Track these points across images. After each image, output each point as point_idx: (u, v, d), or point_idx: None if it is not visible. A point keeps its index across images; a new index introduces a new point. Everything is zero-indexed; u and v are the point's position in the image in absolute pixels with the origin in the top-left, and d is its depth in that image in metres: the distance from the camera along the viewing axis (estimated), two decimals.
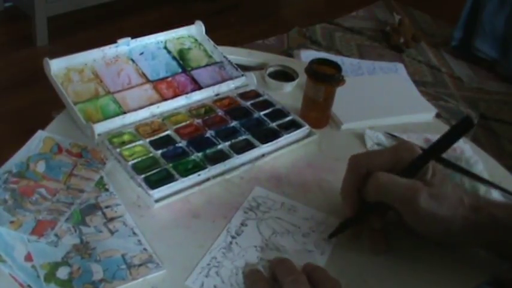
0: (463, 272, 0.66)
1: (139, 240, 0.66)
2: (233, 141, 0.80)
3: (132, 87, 0.87)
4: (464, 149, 0.86)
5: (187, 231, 0.68)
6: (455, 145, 0.85)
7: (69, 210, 0.68)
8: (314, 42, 2.18)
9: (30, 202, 0.69)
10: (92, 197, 0.71)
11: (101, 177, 0.74)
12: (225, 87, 0.90)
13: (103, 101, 0.84)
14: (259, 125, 0.84)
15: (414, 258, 0.68)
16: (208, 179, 0.75)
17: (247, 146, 0.80)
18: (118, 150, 0.76)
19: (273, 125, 0.84)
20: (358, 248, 0.68)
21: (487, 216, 0.63)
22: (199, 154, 0.77)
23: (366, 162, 0.67)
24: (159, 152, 0.77)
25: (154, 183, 0.72)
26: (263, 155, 0.80)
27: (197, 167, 0.75)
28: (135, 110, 0.83)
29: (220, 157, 0.77)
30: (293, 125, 0.84)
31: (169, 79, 0.90)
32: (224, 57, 0.94)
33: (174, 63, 0.92)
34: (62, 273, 0.61)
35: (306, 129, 0.84)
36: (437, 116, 0.94)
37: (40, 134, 0.79)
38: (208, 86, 0.89)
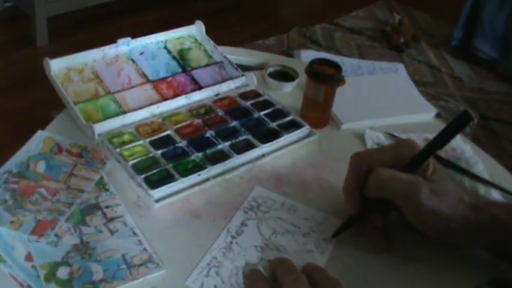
0: (464, 272, 0.66)
1: (139, 240, 0.66)
2: (233, 141, 0.80)
3: (132, 87, 0.87)
4: (465, 149, 0.86)
5: (187, 231, 0.68)
6: (456, 145, 0.85)
7: (69, 210, 0.68)
8: (314, 42, 2.17)
9: (31, 202, 0.69)
10: (92, 197, 0.71)
11: (101, 177, 0.74)
12: (225, 87, 0.90)
13: (103, 101, 0.84)
14: (259, 125, 0.84)
15: (414, 258, 0.68)
16: (208, 179, 0.75)
17: (248, 146, 0.80)
18: (118, 150, 0.76)
19: (273, 125, 0.84)
20: (358, 248, 0.68)
21: (488, 216, 0.63)
22: (200, 154, 0.77)
23: (367, 159, 0.67)
24: (159, 152, 0.77)
25: (154, 183, 0.72)
26: (263, 155, 0.80)
27: (197, 167, 0.75)
28: (135, 110, 0.83)
29: (221, 157, 0.77)
30: (293, 125, 0.84)
31: (170, 79, 0.90)
32: (224, 57, 0.94)
33: (174, 63, 0.92)
34: (62, 273, 0.61)
35: (306, 129, 0.84)
36: (437, 116, 0.94)
37: (40, 134, 0.79)
38: (208, 86, 0.89)
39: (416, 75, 2.08)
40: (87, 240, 0.65)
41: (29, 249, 0.63)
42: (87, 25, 2.48)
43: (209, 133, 0.81)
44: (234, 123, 0.83)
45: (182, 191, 0.73)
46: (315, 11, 2.82)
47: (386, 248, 0.68)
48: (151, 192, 0.70)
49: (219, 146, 0.79)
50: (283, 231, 0.69)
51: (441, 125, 0.93)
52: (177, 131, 0.81)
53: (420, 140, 0.85)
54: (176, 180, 0.72)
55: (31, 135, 0.79)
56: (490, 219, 0.63)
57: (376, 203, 0.67)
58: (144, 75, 0.89)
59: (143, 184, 0.71)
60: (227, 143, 0.79)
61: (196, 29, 0.98)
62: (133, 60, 0.90)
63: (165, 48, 0.94)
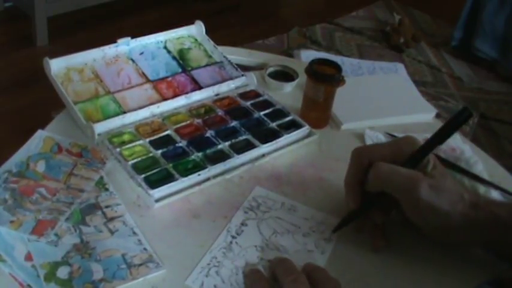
0: (464, 272, 0.66)
1: (139, 240, 0.66)
2: (233, 141, 0.80)
3: (132, 87, 0.87)
4: (464, 149, 0.86)
5: (187, 230, 0.68)
6: (455, 145, 0.85)
7: (69, 209, 0.68)
8: (314, 42, 2.18)
9: (30, 202, 0.69)
10: (92, 197, 0.71)
11: (101, 177, 0.74)
12: (225, 87, 0.90)
13: (103, 100, 0.84)
14: (259, 125, 0.84)
15: (415, 258, 0.68)
16: (208, 179, 0.75)
17: (248, 146, 0.80)
18: (118, 150, 0.76)
19: (273, 125, 0.84)
20: (358, 248, 0.68)
21: (488, 214, 0.63)
22: (200, 154, 0.77)
23: (367, 154, 0.68)
24: (159, 151, 0.77)
25: (154, 183, 0.72)
26: (263, 155, 0.80)
27: (197, 167, 0.75)
28: (135, 109, 0.83)
29: (221, 157, 0.77)
30: (293, 125, 0.84)
31: (169, 79, 0.90)
32: (224, 57, 0.94)
33: (174, 63, 0.92)
34: (62, 272, 0.61)
35: (306, 129, 0.84)
36: (437, 116, 0.94)
37: (40, 134, 0.79)
38: (208, 86, 0.89)
39: (416, 75, 2.08)
40: (87, 240, 0.65)
41: (29, 248, 0.63)
42: (87, 25, 2.48)
43: (209, 133, 0.81)
44: (234, 123, 0.83)
45: (182, 191, 0.73)
46: (315, 11, 2.82)
47: (384, 246, 0.68)
48: (151, 192, 0.70)
49: (219, 146, 0.79)
50: (283, 231, 0.69)
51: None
52: (177, 130, 0.81)
53: (420, 140, 0.85)
54: (176, 180, 0.72)
55: (31, 135, 0.79)
56: (490, 218, 0.63)
57: (377, 198, 0.67)
58: (144, 75, 0.89)
59: (143, 184, 0.71)
60: (227, 143, 0.79)
61: (196, 29, 0.98)
62: (133, 60, 0.90)
63: (165, 48, 0.94)
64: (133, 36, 0.92)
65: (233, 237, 0.68)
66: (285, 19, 2.72)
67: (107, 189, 0.72)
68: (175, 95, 0.87)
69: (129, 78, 0.88)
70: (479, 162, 0.83)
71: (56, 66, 0.84)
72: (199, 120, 0.83)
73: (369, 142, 0.85)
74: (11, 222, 0.66)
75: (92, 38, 2.22)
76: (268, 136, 0.81)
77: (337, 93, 0.86)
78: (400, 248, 0.69)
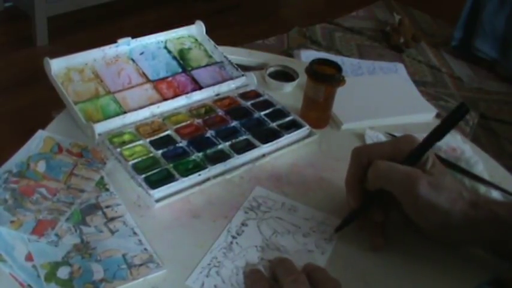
0: (464, 272, 0.66)
1: (139, 240, 0.66)
2: (233, 141, 0.80)
3: (133, 87, 0.87)
4: (464, 149, 0.86)
5: (187, 231, 0.68)
6: (456, 146, 0.85)
7: (69, 210, 0.68)
8: (314, 42, 2.18)
9: (31, 202, 0.69)
10: (92, 197, 0.71)
11: (101, 177, 0.74)
12: (226, 87, 0.90)
13: (103, 100, 0.84)
14: (259, 125, 0.84)
15: (415, 258, 0.68)
16: (208, 179, 0.75)
17: (248, 146, 0.80)
18: (118, 150, 0.76)
19: (273, 125, 0.84)
20: (358, 248, 0.68)
21: (487, 213, 0.63)
22: (200, 154, 0.77)
23: (367, 153, 0.68)
24: (160, 151, 0.77)
25: (154, 183, 0.72)
26: (263, 155, 0.80)
27: (197, 167, 0.75)
28: (135, 109, 0.83)
29: (221, 157, 0.77)
30: (293, 125, 0.84)
31: (170, 79, 0.90)
32: (224, 57, 0.94)
33: (175, 63, 0.92)
34: (63, 273, 0.61)
35: (306, 129, 0.84)
36: (437, 116, 0.94)
37: (40, 134, 0.79)
38: (208, 86, 0.89)
39: (416, 75, 2.08)
40: (88, 240, 0.65)
41: (29, 249, 0.63)
42: (87, 25, 2.48)
43: (209, 133, 0.81)
44: (234, 123, 0.83)
45: (182, 191, 0.73)
46: (315, 11, 2.82)
47: (383, 245, 0.68)
48: (152, 192, 0.70)
49: (220, 146, 0.79)
50: (283, 231, 0.69)
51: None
52: (177, 130, 0.81)
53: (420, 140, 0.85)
54: (176, 180, 0.72)
55: (31, 135, 0.79)
56: (490, 217, 0.63)
57: (377, 196, 0.67)
58: (144, 75, 0.89)
59: (143, 184, 0.71)
60: (227, 143, 0.79)
61: (196, 29, 0.98)
62: (133, 60, 0.90)
63: (165, 48, 0.94)
64: (134, 36, 0.92)
65: (233, 237, 0.68)
66: (285, 19, 2.72)
67: (107, 190, 0.72)
68: (175, 95, 0.87)
69: (129, 78, 0.88)
70: (480, 162, 0.83)
71: (56, 66, 0.84)
72: (200, 120, 0.83)
73: (369, 142, 0.85)
74: (12, 222, 0.66)
75: (92, 38, 2.22)
76: (269, 136, 0.81)
77: (337, 93, 0.86)
78: (400, 248, 0.69)
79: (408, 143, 0.67)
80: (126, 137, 0.79)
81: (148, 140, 0.79)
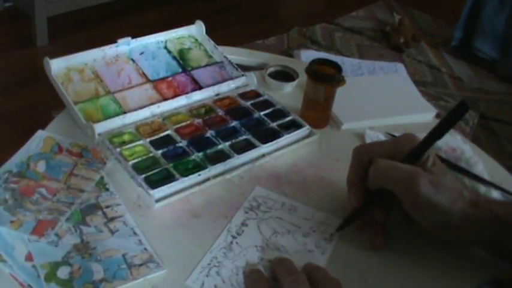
0: (464, 272, 0.66)
1: (139, 240, 0.66)
2: (233, 141, 0.80)
3: (133, 87, 0.87)
4: (465, 149, 0.86)
5: (187, 231, 0.68)
6: (456, 146, 0.85)
7: (69, 210, 0.68)
8: (314, 42, 2.17)
9: (31, 202, 0.69)
10: (92, 197, 0.71)
11: (101, 177, 0.74)
12: (225, 87, 0.90)
13: (103, 100, 0.84)
14: (259, 125, 0.84)
15: (415, 258, 0.68)
16: (208, 179, 0.75)
17: (248, 146, 0.80)
18: (118, 150, 0.76)
19: (273, 125, 0.84)
20: (359, 248, 0.68)
21: (488, 213, 0.63)
22: (200, 154, 0.77)
23: (367, 151, 0.69)
24: (160, 151, 0.77)
25: (154, 183, 0.72)
26: (263, 155, 0.80)
27: (197, 167, 0.75)
28: (135, 109, 0.83)
29: (221, 157, 0.77)
30: (293, 125, 0.84)
31: (170, 79, 0.90)
32: (224, 57, 0.94)
33: (174, 63, 0.92)
34: (63, 273, 0.61)
35: (306, 129, 0.84)
36: (437, 116, 0.94)
37: (40, 134, 0.79)
38: (208, 86, 0.89)
39: (416, 75, 2.08)
40: (88, 240, 0.65)
41: (29, 249, 0.63)
42: (87, 25, 2.48)
43: (209, 133, 0.81)
44: (234, 123, 0.83)
45: (182, 191, 0.73)
46: (315, 11, 2.82)
47: (383, 245, 0.68)
48: (152, 192, 0.70)
49: (219, 146, 0.79)
50: (283, 231, 0.69)
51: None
52: (177, 130, 0.81)
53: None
54: (176, 180, 0.72)
55: (31, 135, 0.79)
56: (490, 217, 0.63)
57: (378, 195, 0.67)
58: (144, 75, 0.89)
59: (143, 184, 0.71)
60: (227, 143, 0.79)
61: (196, 29, 0.98)
62: (133, 60, 0.90)
63: (165, 48, 0.94)
64: (134, 36, 0.92)
65: (233, 237, 0.68)
66: (285, 19, 2.72)
67: (107, 189, 0.72)
68: (175, 95, 0.87)
69: (129, 78, 0.88)
70: (480, 162, 0.83)
71: (56, 66, 0.84)
72: (200, 120, 0.83)
73: (369, 142, 0.85)
74: (12, 222, 0.66)
75: (92, 38, 2.22)
76: (269, 136, 0.81)
77: (337, 93, 0.86)
78: (400, 248, 0.69)
79: (409, 141, 0.67)
80: (126, 137, 0.79)
81: (148, 140, 0.79)
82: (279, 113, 0.86)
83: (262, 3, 2.90)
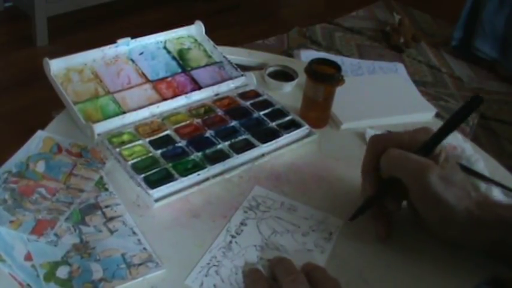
0: (464, 272, 0.66)
1: (138, 240, 0.66)
2: (233, 141, 0.80)
3: (132, 87, 0.87)
4: (465, 147, 0.86)
5: (186, 230, 0.68)
6: (456, 144, 0.85)
7: (68, 209, 0.69)
8: (314, 42, 2.17)
9: (30, 202, 0.69)
10: (91, 197, 0.71)
11: (101, 177, 0.74)
12: (225, 87, 0.90)
13: (103, 101, 0.84)
14: (258, 124, 0.84)
15: (414, 258, 0.68)
16: (207, 179, 0.75)
17: (247, 146, 0.80)
18: (118, 150, 0.76)
19: (273, 124, 0.84)
20: (358, 247, 0.68)
21: (493, 215, 0.64)
22: (199, 154, 0.77)
23: (383, 141, 0.69)
24: (159, 151, 0.77)
25: (153, 182, 0.72)
26: (263, 155, 0.80)
27: (197, 167, 0.75)
28: (134, 109, 0.83)
29: (220, 157, 0.77)
30: (293, 125, 0.84)
31: (169, 79, 0.90)
32: (224, 57, 0.94)
33: (174, 63, 0.92)
34: (62, 272, 0.61)
35: (305, 129, 0.84)
36: (437, 115, 0.94)
37: (40, 134, 0.79)
38: (208, 86, 0.89)
39: (416, 75, 2.08)
40: (87, 240, 0.65)
41: (28, 248, 0.63)
42: (87, 25, 2.48)
43: (209, 133, 0.81)
44: (233, 123, 0.83)
45: (182, 191, 0.73)
46: (315, 11, 2.82)
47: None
48: (151, 191, 0.70)
49: (219, 146, 0.79)
50: (282, 231, 0.69)
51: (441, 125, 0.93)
52: (176, 130, 0.81)
53: None
54: (176, 179, 0.72)
55: (31, 135, 0.79)
56: (494, 218, 0.63)
57: (391, 184, 0.67)
58: (143, 75, 0.89)
59: (143, 184, 0.71)
60: (227, 143, 0.79)
61: (195, 29, 0.98)
62: (133, 60, 0.90)
63: (165, 48, 0.94)
64: (133, 37, 0.92)
65: (233, 236, 0.68)
66: (285, 19, 2.72)
67: (106, 189, 0.72)
68: (175, 95, 0.87)
69: (128, 78, 0.88)
70: (481, 160, 0.84)
71: (56, 66, 0.85)
72: (199, 120, 0.83)
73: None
74: (11, 222, 0.66)
75: (92, 38, 2.22)
76: (268, 136, 0.81)
77: (336, 92, 0.86)
78: (399, 247, 0.69)
79: (426, 134, 0.67)
80: (126, 137, 0.79)
81: (147, 139, 0.79)
82: (278, 113, 0.86)
83: (262, 3, 2.90)
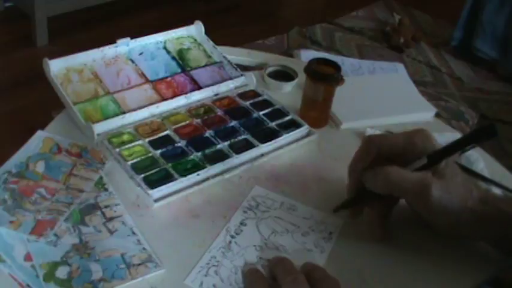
0: (464, 272, 0.66)
1: (138, 240, 0.66)
2: (232, 141, 0.80)
3: (132, 87, 0.87)
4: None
5: (186, 230, 0.68)
6: None
7: (68, 210, 0.69)
8: (314, 42, 2.18)
9: (30, 202, 0.69)
10: (91, 197, 0.71)
11: (100, 177, 0.74)
12: (225, 87, 0.90)
13: (102, 101, 0.84)
14: (258, 124, 0.84)
15: (414, 257, 0.68)
16: (207, 179, 0.75)
17: (247, 146, 0.80)
18: (117, 150, 0.76)
19: (273, 124, 0.84)
20: (357, 247, 0.68)
21: (495, 210, 0.64)
22: (199, 154, 0.77)
23: (378, 142, 0.68)
24: (159, 151, 0.77)
25: (153, 182, 0.72)
26: (262, 155, 0.80)
27: (196, 167, 0.75)
28: (134, 110, 0.83)
29: (220, 157, 0.77)
30: (292, 125, 0.84)
31: (169, 79, 0.90)
32: (223, 57, 0.94)
33: (174, 63, 0.92)
34: (62, 272, 0.61)
35: (305, 128, 0.84)
36: (437, 115, 0.94)
37: (40, 134, 0.79)
38: (207, 86, 0.89)
39: (416, 75, 2.08)
40: (87, 240, 0.65)
41: (28, 248, 0.63)
42: (87, 25, 2.48)
43: (208, 133, 0.81)
44: (233, 123, 0.83)
45: (181, 191, 0.73)
46: (315, 11, 2.82)
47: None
48: (151, 192, 0.70)
49: (218, 146, 0.79)
50: (282, 231, 0.69)
51: (441, 125, 0.93)
52: (176, 130, 0.81)
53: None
54: (175, 180, 0.72)
55: (31, 135, 0.79)
56: (497, 213, 0.64)
57: (377, 195, 0.67)
58: (143, 75, 0.89)
59: (142, 184, 0.71)
60: (226, 143, 0.79)
61: (195, 29, 0.98)
62: (132, 61, 0.90)
63: (165, 48, 0.94)
64: (133, 37, 0.92)
65: (232, 236, 0.68)
66: (285, 19, 2.72)
67: (106, 190, 0.72)
68: (174, 95, 0.87)
69: (128, 78, 0.88)
70: (481, 160, 0.84)
71: (56, 66, 0.85)
72: (199, 120, 0.83)
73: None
74: (11, 222, 0.66)
75: (92, 38, 2.21)
76: (268, 136, 0.81)
77: (336, 92, 0.86)
78: (399, 247, 0.69)
79: (422, 137, 0.67)
80: (125, 137, 0.79)
81: (147, 140, 0.79)
82: (278, 113, 0.86)
83: (262, 3, 2.90)
